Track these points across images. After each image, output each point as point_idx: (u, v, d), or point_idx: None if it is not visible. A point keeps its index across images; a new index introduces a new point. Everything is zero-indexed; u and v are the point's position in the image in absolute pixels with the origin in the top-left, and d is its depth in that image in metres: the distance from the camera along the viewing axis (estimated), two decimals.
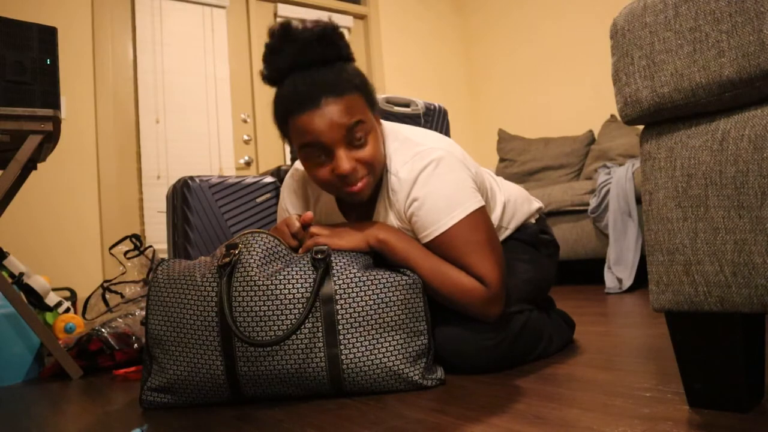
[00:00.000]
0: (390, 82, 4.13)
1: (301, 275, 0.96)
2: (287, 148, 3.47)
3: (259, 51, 3.56)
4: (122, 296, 1.85)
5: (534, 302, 1.19)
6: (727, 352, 0.68)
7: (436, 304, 1.04)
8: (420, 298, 0.98)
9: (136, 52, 3.22)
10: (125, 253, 1.98)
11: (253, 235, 1.00)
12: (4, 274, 1.72)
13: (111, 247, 2.04)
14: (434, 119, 1.83)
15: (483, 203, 1.04)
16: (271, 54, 1.00)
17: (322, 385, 0.95)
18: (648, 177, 0.72)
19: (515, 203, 1.24)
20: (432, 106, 1.83)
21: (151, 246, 2.03)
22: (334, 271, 0.97)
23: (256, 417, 0.89)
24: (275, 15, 3.75)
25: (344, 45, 1.01)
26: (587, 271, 2.98)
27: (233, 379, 0.94)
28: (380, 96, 1.71)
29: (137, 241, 2.02)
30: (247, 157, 3.53)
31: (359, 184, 0.99)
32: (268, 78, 1.02)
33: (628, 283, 2.30)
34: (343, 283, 0.96)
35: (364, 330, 0.94)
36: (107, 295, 1.87)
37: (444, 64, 4.47)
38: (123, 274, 1.94)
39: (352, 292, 0.95)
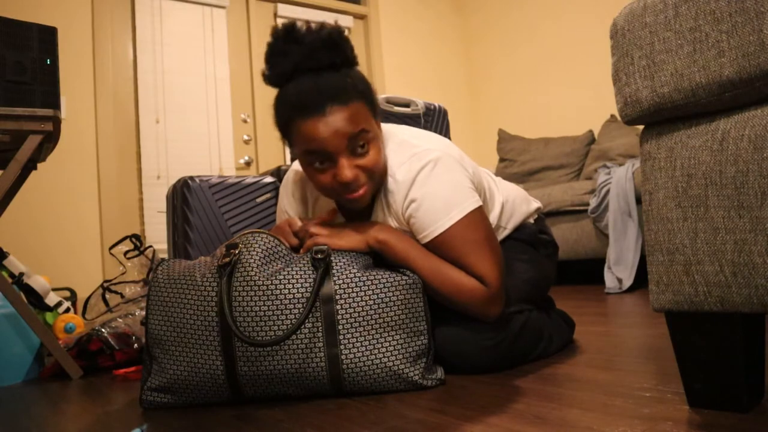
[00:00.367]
0: (390, 82, 4.13)
1: (301, 275, 0.96)
2: (287, 149, 3.47)
3: (259, 51, 3.57)
4: (122, 296, 1.85)
5: (533, 302, 1.19)
6: (727, 352, 0.68)
7: (436, 304, 1.04)
8: (420, 298, 0.98)
9: (136, 52, 3.22)
10: (125, 253, 1.98)
11: (253, 235, 1.00)
12: (4, 274, 1.72)
13: (111, 247, 2.04)
14: (434, 119, 1.83)
15: (481, 203, 1.04)
16: (274, 55, 0.98)
17: (322, 385, 0.95)
18: (648, 177, 0.72)
19: (514, 203, 1.24)
20: (432, 106, 1.83)
21: (151, 246, 2.03)
22: (334, 271, 0.97)
23: (256, 417, 0.89)
24: (275, 15, 3.75)
25: (350, 49, 1.00)
26: (587, 271, 2.98)
27: (233, 379, 0.94)
28: (380, 96, 1.71)
29: (137, 241, 2.02)
30: (247, 157, 3.53)
31: (360, 191, 0.99)
32: (271, 79, 1.00)
33: (628, 283, 2.30)
34: (343, 283, 0.96)
35: (364, 330, 0.94)
36: (107, 295, 1.87)
37: (444, 64, 4.47)
38: (123, 274, 1.94)
39: (352, 292, 0.95)
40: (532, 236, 1.26)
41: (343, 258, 0.99)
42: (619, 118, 1.96)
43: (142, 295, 1.77)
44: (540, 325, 1.14)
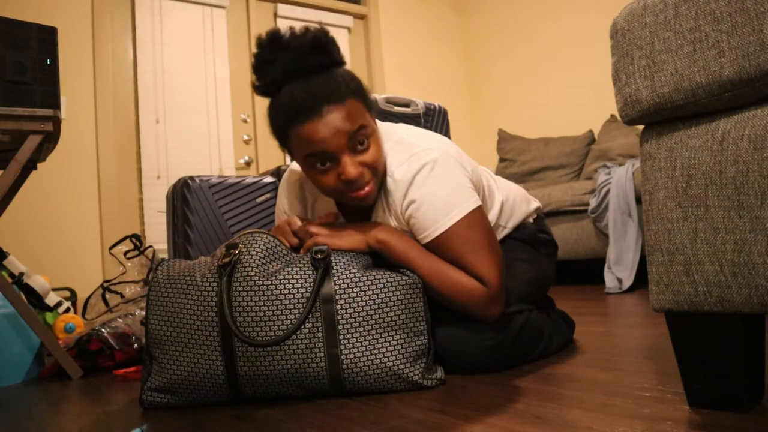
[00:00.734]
0: (390, 82, 4.13)
1: (301, 275, 0.96)
2: None
3: None
4: (122, 296, 1.85)
5: (533, 302, 1.19)
6: (727, 352, 0.68)
7: (436, 304, 1.04)
8: (420, 298, 0.98)
9: (136, 52, 3.22)
10: (125, 253, 1.98)
11: (253, 235, 1.00)
12: (4, 274, 1.72)
13: (111, 247, 2.04)
14: (434, 119, 1.83)
15: (480, 203, 1.04)
16: (262, 64, 0.98)
17: (322, 385, 0.95)
18: (648, 177, 0.72)
19: (514, 202, 1.24)
20: (432, 106, 1.83)
21: (151, 246, 2.03)
22: (334, 271, 0.97)
23: (256, 417, 0.89)
24: (275, 15, 3.75)
25: (336, 50, 1.00)
26: (587, 271, 2.98)
27: (233, 379, 0.94)
28: (380, 96, 1.71)
29: (137, 241, 2.02)
30: (247, 157, 3.53)
31: (366, 189, 0.99)
32: (262, 89, 1.00)
33: (628, 283, 2.30)
34: (343, 283, 0.96)
35: (364, 330, 0.94)
36: (107, 295, 1.87)
37: (444, 64, 4.47)
38: (123, 274, 1.94)
39: (352, 292, 0.95)
40: (531, 236, 1.26)
41: (343, 258, 0.99)
42: (619, 118, 1.96)
43: (142, 295, 1.77)
44: (540, 325, 1.14)
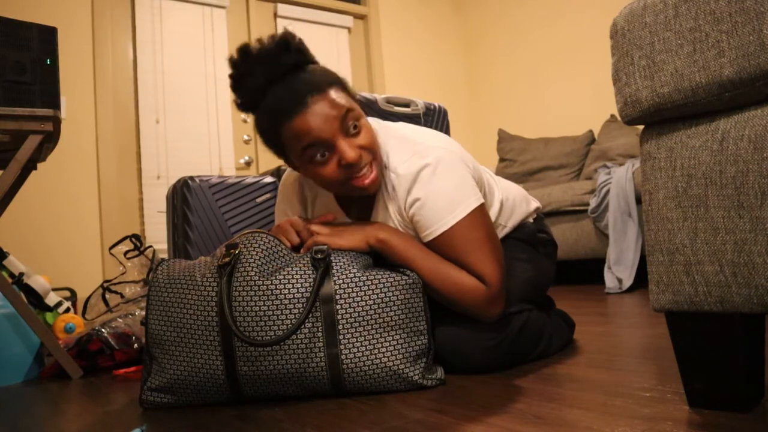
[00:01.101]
0: (390, 82, 4.13)
1: (300, 275, 0.96)
2: None
3: None
4: (122, 296, 1.85)
5: (533, 302, 1.19)
6: (727, 352, 0.68)
7: (436, 304, 1.04)
8: (420, 298, 0.98)
9: (136, 52, 3.22)
10: (125, 253, 1.99)
11: (253, 235, 1.00)
12: (4, 274, 1.72)
13: (111, 247, 2.04)
14: (434, 119, 1.83)
15: (483, 201, 1.04)
16: (241, 80, 1.00)
17: (322, 385, 0.95)
18: (648, 177, 0.72)
19: (513, 201, 1.24)
20: (432, 106, 1.83)
21: (151, 246, 2.03)
22: (334, 271, 0.97)
23: (256, 417, 0.89)
24: (275, 15, 3.75)
25: (306, 48, 1.03)
26: (587, 271, 2.98)
27: (233, 379, 0.94)
28: (380, 96, 1.71)
29: (137, 241, 2.02)
30: (247, 157, 3.53)
31: (370, 176, 1.00)
32: (246, 104, 1.02)
33: (628, 283, 2.30)
34: (343, 282, 0.96)
35: (364, 330, 0.94)
36: (107, 295, 1.87)
37: (444, 64, 4.47)
38: (123, 274, 1.94)
39: (352, 291, 0.95)
40: (531, 235, 1.26)
41: (343, 258, 0.99)
42: (619, 118, 1.96)
43: (142, 295, 1.77)
44: (540, 325, 1.14)
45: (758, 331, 0.74)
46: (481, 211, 1.03)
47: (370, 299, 0.95)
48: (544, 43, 3.93)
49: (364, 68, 4.12)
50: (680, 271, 0.69)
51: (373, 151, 1.01)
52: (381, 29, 4.16)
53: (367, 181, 1.00)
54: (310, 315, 0.93)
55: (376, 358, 0.94)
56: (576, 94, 3.73)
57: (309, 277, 0.95)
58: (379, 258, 1.04)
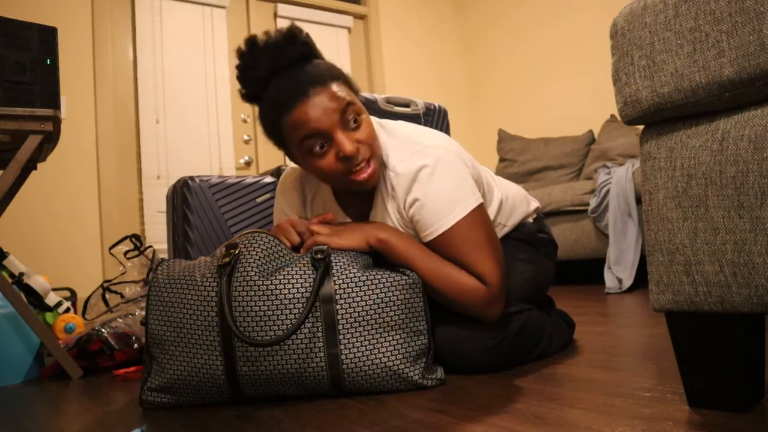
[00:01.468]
0: (390, 82, 4.13)
1: (300, 275, 0.96)
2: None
3: None
4: (122, 296, 1.85)
5: (533, 302, 1.19)
6: (727, 352, 0.68)
7: (436, 304, 1.04)
8: (420, 298, 0.98)
9: (136, 52, 3.22)
10: (125, 253, 1.98)
11: (253, 235, 1.00)
12: (4, 274, 1.72)
13: (111, 247, 2.04)
14: (434, 119, 1.83)
15: (482, 200, 1.04)
16: (246, 70, 1.01)
17: (322, 385, 0.95)
18: (648, 177, 0.72)
19: (513, 201, 1.24)
20: (432, 106, 1.83)
21: (151, 246, 2.03)
22: (334, 271, 0.97)
23: (256, 417, 0.89)
24: (275, 15, 3.75)
25: (311, 42, 1.04)
26: (587, 271, 2.98)
27: (233, 379, 0.94)
28: (380, 96, 1.71)
29: (137, 241, 2.02)
30: (247, 157, 3.53)
31: (368, 170, 1.00)
32: (250, 94, 1.04)
33: (628, 283, 2.30)
34: (343, 282, 0.96)
35: (364, 330, 0.94)
36: (107, 295, 1.87)
37: (444, 64, 4.47)
38: (123, 274, 1.94)
39: (352, 291, 0.95)
40: (531, 235, 1.26)
41: (342, 258, 0.99)
42: (619, 118, 1.96)
43: (142, 295, 1.77)
44: (540, 325, 1.14)
45: (758, 331, 0.74)
46: (481, 210, 1.03)
47: (370, 299, 0.95)
48: (544, 43, 3.93)
49: (364, 68, 4.12)
50: (680, 271, 0.69)
51: (372, 147, 1.02)
52: (381, 29, 4.16)
53: (364, 175, 1.00)
54: (310, 315, 0.93)
55: (376, 358, 0.94)
56: (576, 94, 3.73)
57: (309, 277, 0.95)
58: (379, 258, 1.04)
